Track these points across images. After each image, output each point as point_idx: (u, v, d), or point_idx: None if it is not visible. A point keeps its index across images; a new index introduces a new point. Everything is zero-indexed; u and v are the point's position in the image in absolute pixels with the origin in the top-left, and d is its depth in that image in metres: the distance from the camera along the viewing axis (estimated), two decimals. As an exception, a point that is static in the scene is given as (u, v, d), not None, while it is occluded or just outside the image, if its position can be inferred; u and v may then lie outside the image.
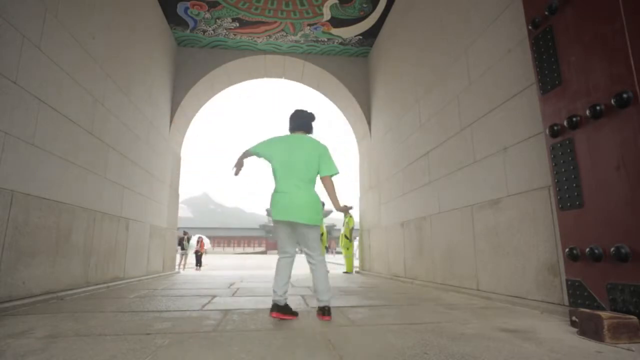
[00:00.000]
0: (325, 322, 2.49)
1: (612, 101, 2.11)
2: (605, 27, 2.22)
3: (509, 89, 3.42)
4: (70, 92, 3.87)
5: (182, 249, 13.86)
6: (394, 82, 6.79)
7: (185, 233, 14.31)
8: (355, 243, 10.01)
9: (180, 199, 9.06)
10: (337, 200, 2.82)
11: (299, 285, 5.08)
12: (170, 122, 7.71)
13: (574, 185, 2.39)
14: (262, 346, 1.84)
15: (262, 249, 69.10)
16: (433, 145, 5.02)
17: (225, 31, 7.60)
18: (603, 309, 2.13)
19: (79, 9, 4.02)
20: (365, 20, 7.30)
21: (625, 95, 2.05)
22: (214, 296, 3.81)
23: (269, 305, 2.61)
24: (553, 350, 1.75)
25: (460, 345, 1.84)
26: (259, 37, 7.85)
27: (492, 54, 3.72)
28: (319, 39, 7.92)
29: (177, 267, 12.86)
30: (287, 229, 2.69)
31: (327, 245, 10.22)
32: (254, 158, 2.95)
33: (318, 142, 2.80)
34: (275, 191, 2.70)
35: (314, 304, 3.28)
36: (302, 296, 3.83)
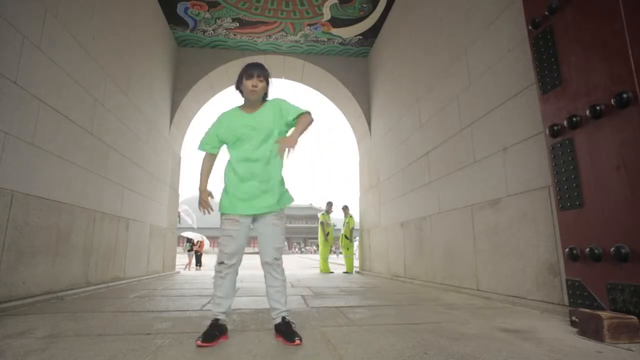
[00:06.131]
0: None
1: (612, 101, 2.11)
2: (605, 27, 2.22)
3: (509, 89, 3.42)
4: (70, 92, 3.87)
5: (190, 250, 14.22)
6: (394, 82, 6.79)
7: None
8: (355, 243, 10.01)
9: (180, 199, 9.06)
10: None
11: (299, 285, 5.08)
12: (170, 122, 7.71)
13: (574, 185, 2.39)
14: (262, 346, 1.84)
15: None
16: (433, 145, 5.02)
17: (225, 31, 7.60)
18: (603, 309, 2.13)
19: (79, 9, 4.02)
20: (365, 20, 7.30)
21: (625, 96, 2.04)
22: (214, 296, 3.81)
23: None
24: (553, 350, 1.75)
25: (460, 345, 1.84)
26: (259, 37, 7.85)
27: (492, 54, 3.72)
28: (319, 39, 7.92)
29: (185, 267, 13.08)
30: None
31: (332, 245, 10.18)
32: None
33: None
34: None
35: (315, 304, 3.29)
36: (302, 296, 3.84)
